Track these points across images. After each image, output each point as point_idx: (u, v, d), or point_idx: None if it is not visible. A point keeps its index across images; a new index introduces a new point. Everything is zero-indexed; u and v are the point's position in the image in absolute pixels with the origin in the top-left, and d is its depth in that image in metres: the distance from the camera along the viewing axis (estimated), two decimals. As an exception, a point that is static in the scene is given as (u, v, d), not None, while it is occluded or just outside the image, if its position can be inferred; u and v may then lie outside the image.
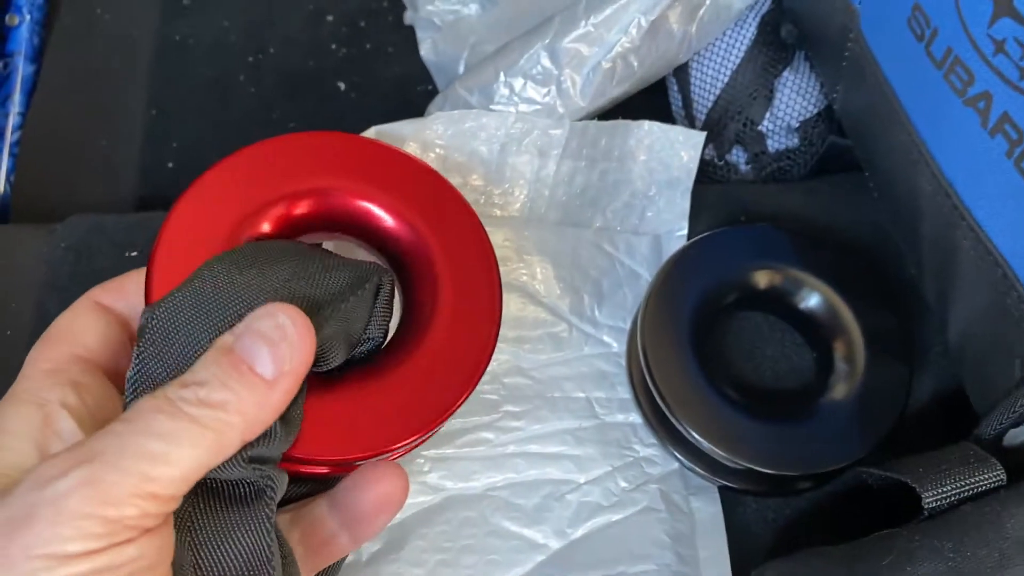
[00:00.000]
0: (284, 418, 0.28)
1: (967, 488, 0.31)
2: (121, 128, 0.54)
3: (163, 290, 0.29)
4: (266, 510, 0.28)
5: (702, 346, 0.41)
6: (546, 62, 0.44)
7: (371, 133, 0.43)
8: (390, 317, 0.33)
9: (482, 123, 0.44)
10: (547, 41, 0.44)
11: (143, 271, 0.32)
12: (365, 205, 0.35)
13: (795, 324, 0.44)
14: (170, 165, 0.53)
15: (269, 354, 0.26)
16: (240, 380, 0.26)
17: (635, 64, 0.44)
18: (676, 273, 0.42)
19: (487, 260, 0.35)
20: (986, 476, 0.31)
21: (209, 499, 0.28)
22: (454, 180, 0.45)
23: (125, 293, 0.32)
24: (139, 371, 0.27)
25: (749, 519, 0.40)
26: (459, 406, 0.33)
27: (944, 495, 0.31)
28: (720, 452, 0.38)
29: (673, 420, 0.39)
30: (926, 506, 0.32)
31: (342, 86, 0.55)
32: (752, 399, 0.41)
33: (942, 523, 0.31)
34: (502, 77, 0.45)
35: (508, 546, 0.38)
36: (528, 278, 0.43)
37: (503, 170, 0.45)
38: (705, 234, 0.43)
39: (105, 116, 0.54)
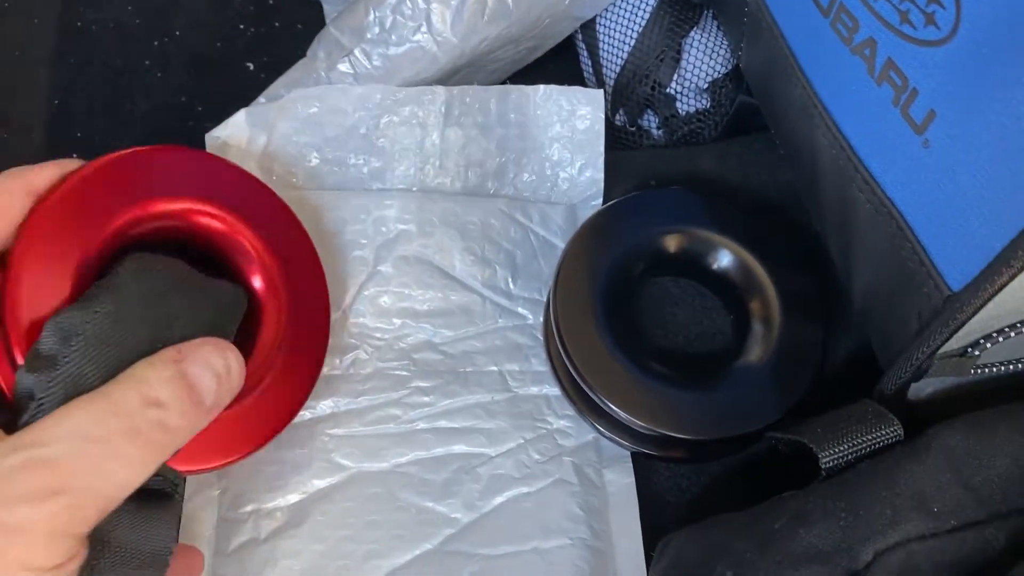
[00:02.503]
0: None
1: (864, 446, 0.31)
2: (22, 119, 0.52)
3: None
4: (176, 508, 0.30)
5: (617, 314, 0.40)
6: (414, -4, 0.43)
7: (240, 116, 0.42)
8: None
9: (352, 97, 0.43)
10: (414, -26, 0.42)
11: None
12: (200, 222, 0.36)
13: (711, 287, 0.44)
14: (74, 156, 0.51)
15: (215, 389, 0.29)
16: (195, 409, 0.28)
17: (509, 1, 0.43)
18: (587, 242, 0.41)
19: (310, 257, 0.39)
20: (883, 432, 0.31)
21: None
22: (330, 157, 0.44)
23: None
24: (72, 372, 0.27)
25: (663, 488, 0.40)
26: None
27: (841, 454, 0.31)
28: (635, 420, 0.37)
29: (587, 389, 0.38)
30: (823, 466, 0.31)
31: (251, 66, 0.54)
32: (668, 365, 0.40)
33: (837, 483, 0.30)
34: (372, 15, 0.44)
35: (416, 520, 0.37)
36: (434, 251, 0.42)
37: (383, 143, 0.44)
38: (614, 201, 0.43)
39: (5, 106, 0.52)
